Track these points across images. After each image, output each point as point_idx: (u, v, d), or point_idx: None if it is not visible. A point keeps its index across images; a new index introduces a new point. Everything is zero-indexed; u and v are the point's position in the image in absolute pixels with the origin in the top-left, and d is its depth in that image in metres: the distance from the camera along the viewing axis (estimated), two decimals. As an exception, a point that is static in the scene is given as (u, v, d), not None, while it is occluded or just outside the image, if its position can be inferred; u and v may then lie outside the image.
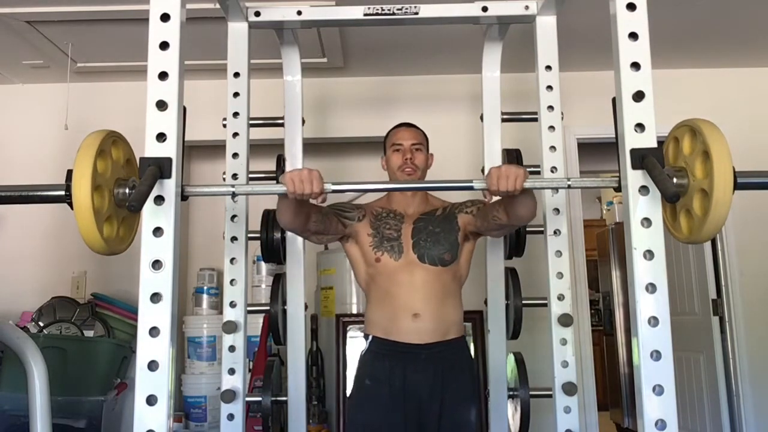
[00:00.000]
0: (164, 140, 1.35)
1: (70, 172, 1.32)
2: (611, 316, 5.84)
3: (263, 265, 3.57)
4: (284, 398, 2.33)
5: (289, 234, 2.34)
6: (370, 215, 2.04)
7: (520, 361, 2.31)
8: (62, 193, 1.35)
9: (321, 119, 3.60)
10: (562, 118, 2.22)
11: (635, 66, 1.41)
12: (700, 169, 1.38)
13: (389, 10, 2.21)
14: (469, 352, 2.05)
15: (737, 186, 1.33)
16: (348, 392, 2.38)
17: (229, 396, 2.14)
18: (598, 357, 4.63)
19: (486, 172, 1.65)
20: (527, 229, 2.35)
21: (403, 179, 2.01)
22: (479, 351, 3.29)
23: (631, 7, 1.43)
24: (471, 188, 1.58)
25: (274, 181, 2.49)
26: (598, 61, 3.26)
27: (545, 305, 2.18)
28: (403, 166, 2.03)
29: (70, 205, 1.31)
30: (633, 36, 1.42)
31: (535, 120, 2.25)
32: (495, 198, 1.81)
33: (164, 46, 1.38)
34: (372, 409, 1.94)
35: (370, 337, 2.01)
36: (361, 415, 1.96)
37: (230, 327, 2.18)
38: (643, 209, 1.37)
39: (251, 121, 2.29)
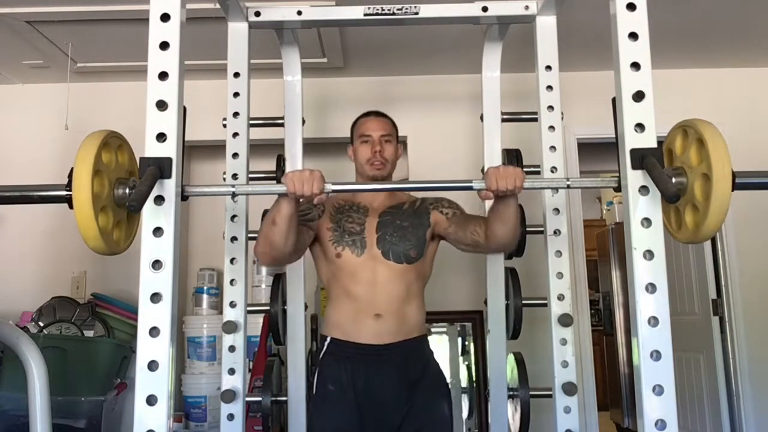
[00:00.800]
0: (164, 140, 1.35)
1: (70, 172, 1.32)
2: (611, 316, 5.84)
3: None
4: (284, 398, 2.33)
5: (289, 234, 2.34)
6: (330, 208, 1.98)
7: (520, 361, 2.31)
8: (63, 193, 1.35)
9: (321, 119, 3.59)
10: (562, 118, 2.22)
11: (635, 66, 1.41)
12: (697, 163, 1.38)
13: (389, 10, 2.21)
14: (431, 349, 2.02)
15: (737, 186, 1.33)
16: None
17: (229, 396, 2.14)
18: (598, 357, 4.63)
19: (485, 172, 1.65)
20: (527, 229, 2.35)
21: (372, 173, 1.96)
22: (479, 351, 3.29)
23: (631, 7, 1.43)
24: (471, 188, 1.59)
25: (274, 181, 2.49)
26: (598, 61, 3.25)
27: (545, 305, 2.18)
28: (372, 159, 1.96)
29: (71, 205, 1.31)
30: (633, 36, 1.42)
31: (535, 120, 2.25)
32: (489, 201, 1.79)
33: (164, 46, 1.38)
34: (338, 416, 1.86)
35: (328, 339, 1.93)
36: (329, 421, 1.87)
37: (230, 327, 2.18)
38: (643, 209, 1.37)
39: (251, 121, 2.29)
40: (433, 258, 2.03)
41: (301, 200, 1.67)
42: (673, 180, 1.40)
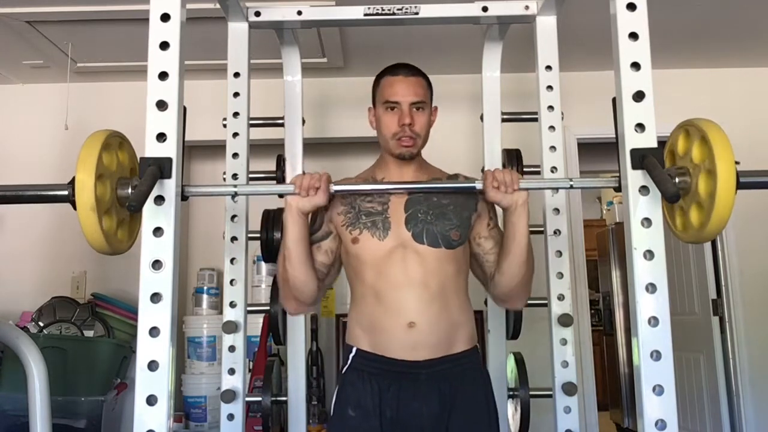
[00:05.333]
0: (164, 140, 1.35)
1: (72, 179, 1.32)
2: (611, 316, 5.85)
3: (263, 265, 3.58)
4: (284, 398, 2.33)
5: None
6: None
7: (520, 361, 2.31)
8: (65, 193, 1.35)
9: (321, 119, 3.59)
10: (562, 118, 2.22)
11: (635, 66, 1.40)
12: (700, 160, 1.37)
13: (389, 10, 2.21)
14: (484, 368, 1.66)
15: (741, 185, 1.33)
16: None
17: (229, 396, 2.13)
18: (598, 357, 4.64)
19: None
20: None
21: (398, 151, 1.59)
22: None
23: (631, 7, 1.43)
24: (473, 188, 1.58)
25: (274, 181, 2.49)
26: (598, 61, 3.26)
27: (545, 305, 2.18)
28: (399, 134, 1.57)
29: (74, 204, 1.31)
30: (633, 36, 1.41)
31: (535, 120, 2.25)
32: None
33: (164, 46, 1.38)
34: None
35: (353, 350, 1.57)
36: None
37: (230, 327, 2.17)
38: (643, 209, 1.37)
39: (251, 121, 2.29)
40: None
41: (307, 209, 1.52)
42: (677, 180, 1.40)
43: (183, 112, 1.42)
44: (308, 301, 1.57)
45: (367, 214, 1.57)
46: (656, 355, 1.31)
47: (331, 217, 1.61)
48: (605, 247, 5.98)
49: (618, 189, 1.46)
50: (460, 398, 1.53)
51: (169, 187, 1.34)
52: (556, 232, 2.20)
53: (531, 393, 2.23)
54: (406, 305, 1.52)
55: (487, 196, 1.52)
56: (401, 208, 1.58)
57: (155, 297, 1.30)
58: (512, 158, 2.48)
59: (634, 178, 1.38)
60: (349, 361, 1.58)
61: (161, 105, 1.36)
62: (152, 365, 1.28)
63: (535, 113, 2.25)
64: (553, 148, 2.19)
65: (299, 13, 2.22)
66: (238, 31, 2.25)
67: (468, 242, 1.63)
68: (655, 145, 1.38)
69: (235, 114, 2.24)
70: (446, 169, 1.76)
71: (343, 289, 3.34)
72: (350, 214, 1.58)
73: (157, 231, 1.33)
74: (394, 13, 2.21)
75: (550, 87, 2.21)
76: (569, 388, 2.09)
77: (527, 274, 1.55)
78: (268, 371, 2.32)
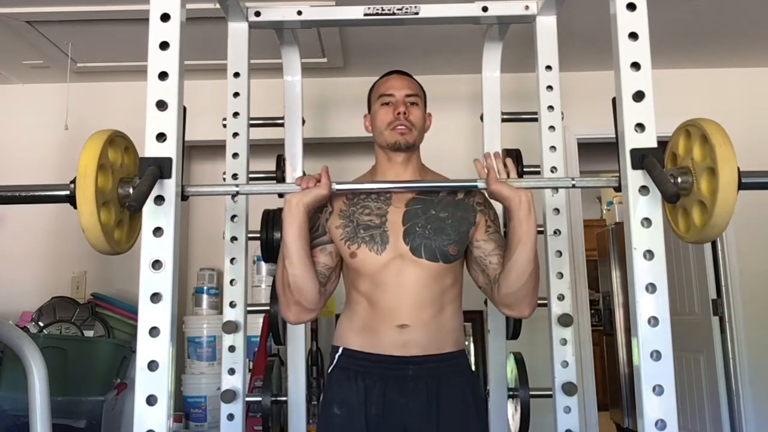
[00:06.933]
0: (164, 140, 1.35)
1: (73, 176, 1.32)
2: (611, 316, 5.85)
3: (263, 265, 3.57)
4: (284, 398, 2.33)
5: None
6: (340, 203, 1.62)
7: (520, 361, 2.31)
8: (66, 193, 1.35)
9: (321, 119, 3.59)
10: (562, 118, 2.22)
11: (635, 66, 1.40)
12: (701, 159, 1.37)
13: (389, 10, 2.21)
14: (472, 369, 1.67)
15: (742, 186, 1.33)
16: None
17: (229, 396, 2.13)
18: (598, 357, 4.64)
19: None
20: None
21: (393, 139, 1.60)
22: (479, 351, 3.29)
23: (631, 7, 1.43)
24: (475, 188, 1.58)
25: (275, 181, 2.49)
26: (598, 61, 3.26)
27: (545, 305, 2.18)
28: (393, 123, 1.60)
29: (74, 204, 1.31)
30: (633, 36, 1.41)
31: (535, 120, 2.25)
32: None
33: (164, 46, 1.38)
34: None
35: (339, 350, 1.60)
36: None
37: (230, 327, 2.17)
38: (643, 209, 1.37)
39: (251, 121, 2.29)
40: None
41: (308, 206, 1.52)
42: (679, 179, 1.40)
43: (183, 112, 1.42)
44: (309, 305, 1.55)
45: (365, 228, 1.57)
46: (656, 355, 1.31)
47: (329, 229, 1.61)
48: (605, 247, 5.99)
49: (618, 189, 1.46)
50: (448, 396, 1.54)
51: (169, 187, 1.34)
52: (556, 232, 2.20)
53: (531, 393, 2.22)
54: (399, 311, 1.54)
55: (490, 188, 1.52)
56: (399, 220, 1.58)
57: (155, 297, 1.30)
58: (512, 158, 2.46)
59: (634, 178, 1.38)
60: (334, 361, 1.61)
61: (161, 105, 1.36)
62: (152, 365, 1.28)
63: (535, 113, 2.25)
64: (553, 148, 2.19)
65: (299, 13, 2.22)
66: (238, 31, 2.26)
67: (467, 250, 1.63)
68: (655, 145, 1.37)
69: (235, 114, 2.24)
70: (446, 171, 1.76)
71: (343, 289, 3.33)
72: (348, 228, 1.58)
73: (157, 231, 1.33)
74: (394, 13, 2.21)
75: (550, 87, 2.21)
76: (569, 388, 2.09)
77: (533, 276, 1.51)
78: (268, 371, 2.32)
